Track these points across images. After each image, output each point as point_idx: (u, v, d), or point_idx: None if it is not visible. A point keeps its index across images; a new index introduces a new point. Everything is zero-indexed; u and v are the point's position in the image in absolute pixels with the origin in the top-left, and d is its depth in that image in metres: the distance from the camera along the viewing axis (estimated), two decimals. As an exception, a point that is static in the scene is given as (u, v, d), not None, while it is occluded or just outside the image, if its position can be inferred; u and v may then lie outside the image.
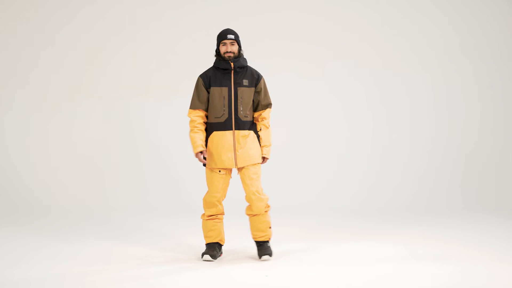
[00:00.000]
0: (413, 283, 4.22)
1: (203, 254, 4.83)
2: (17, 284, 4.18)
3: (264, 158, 4.91)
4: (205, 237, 4.93)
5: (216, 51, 4.90)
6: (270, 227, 4.95)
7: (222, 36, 4.84)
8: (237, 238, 5.34)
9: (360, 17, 7.90)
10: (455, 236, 5.84)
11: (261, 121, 4.91)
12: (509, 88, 7.97)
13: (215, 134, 4.80)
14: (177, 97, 7.69)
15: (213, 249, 4.86)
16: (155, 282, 4.22)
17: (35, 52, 7.70)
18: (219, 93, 4.80)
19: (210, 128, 4.84)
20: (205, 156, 4.79)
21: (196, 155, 4.79)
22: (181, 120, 7.72)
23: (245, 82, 4.84)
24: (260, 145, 4.88)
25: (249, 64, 4.96)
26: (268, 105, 4.94)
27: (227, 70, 4.82)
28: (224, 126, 4.78)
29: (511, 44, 8.00)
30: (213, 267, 4.62)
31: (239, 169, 4.86)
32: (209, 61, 7.17)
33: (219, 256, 4.93)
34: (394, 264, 4.71)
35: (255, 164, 4.84)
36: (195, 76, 7.90)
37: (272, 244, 5.07)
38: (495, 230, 6.14)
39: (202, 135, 4.82)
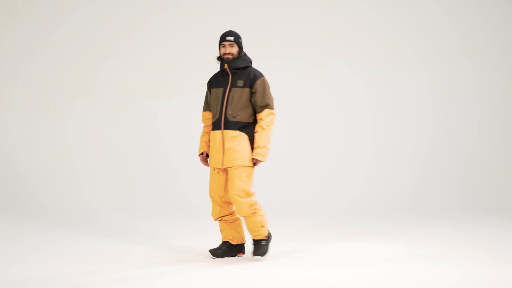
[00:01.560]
0: (413, 283, 4.22)
1: (210, 250, 4.94)
2: (16, 283, 4.17)
3: (256, 160, 4.79)
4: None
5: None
6: (262, 226, 4.85)
7: (221, 38, 4.90)
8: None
9: (360, 17, 7.90)
10: (455, 236, 5.83)
11: (258, 121, 4.84)
12: (509, 88, 7.96)
13: (211, 134, 4.91)
14: (177, 97, 7.69)
15: (219, 248, 4.93)
16: (155, 282, 4.21)
17: (34, 51, 7.69)
18: (215, 94, 4.90)
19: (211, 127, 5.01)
20: (205, 158, 4.98)
21: (199, 156, 5.01)
22: (180, 120, 7.74)
23: (240, 82, 4.84)
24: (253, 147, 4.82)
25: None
26: (265, 106, 4.82)
27: (225, 72, 4.87)
28: (216, 125, 4.85)
29: (511, 44, 8.00)
30: (213, 267, 4.61)
31: (226, 170, 4.84)
32: (209, 61, 7.16)
33: (232, 256, 4.94)
34: (394, 264, 4.71)
35: (241, 166, 4.76)
36: (195, 76, 7.94)
37: (272, 244, 5.06)
38: (495, 230, 6.14)
39: (207, 137, 5.01)
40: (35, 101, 7.68)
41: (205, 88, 7.67)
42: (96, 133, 7.68)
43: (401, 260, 4.85)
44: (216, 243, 5.12)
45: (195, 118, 7.68)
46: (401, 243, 5.50)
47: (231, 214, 4.94)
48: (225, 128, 4.80)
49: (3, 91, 7.67)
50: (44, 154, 7.63)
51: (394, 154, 7.82)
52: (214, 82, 4.93)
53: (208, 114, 5.01)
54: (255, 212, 4.81)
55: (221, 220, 4.94)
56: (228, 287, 4.14)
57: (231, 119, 4.79)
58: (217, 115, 4.82)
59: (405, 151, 7.83)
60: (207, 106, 5.03)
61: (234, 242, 4.96)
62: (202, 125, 5.15)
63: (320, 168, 7.72)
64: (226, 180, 4.85)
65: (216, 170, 4.85)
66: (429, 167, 7.81)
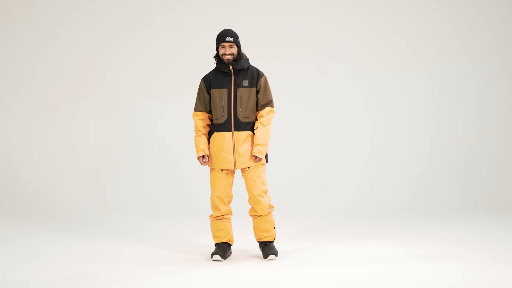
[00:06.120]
0: (413, 283, 4.23)
1: (212, 254, 4.84)
2: (17, 284, 4.18)
3: (255, 157, 4.80)
4: (214, 237, 4.93)
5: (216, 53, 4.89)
6: (274, 227, 4.95)
7: (221, 39, 4.81)
8: (238, 238, 5.34)
9: (360, 18, 7.91)
10: (454, 236, 5.84)
11: (258, 119, 4.85)
12: (509, 89, 7.97)
13: (216, 135, 4.82)
14: (178, 97, 7.70)
15: (223, 249, 4.87)
16: (155, 282, 4.22)
17: (35, 52, 7.70)
18: (219, 94, 4.81)
19: (212, 129, 4.88)
20: (206, 160, 4.85)
21: (198, 158, 4.86)
22: (183, 120, 7.74)
23: (245, 82, 4.82)
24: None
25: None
26: (267, 103, 4.85)
27: (226, 72, 4.83)
28: (224, 127, 4.79)
29: (510, 44, 8.01)
30: (213, 267, 4.63)
31: (242, 171, 4.87)
32: (210, 61, 7.19)
33: (229, 256, 4.92)
34: (394, 264, 4.72)
35: (257, 166, 4.83)
36: (196, 76, 7.92)
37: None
38: (495, 230, 6.14)
39: (205, 138, 4.88)
40: (37, 101, 7.69)
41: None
42: (99, 134, 7.69)
43: (400, 260, 4.86)
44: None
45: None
46: (400, 243, 5.50)
47: (230, 213, 4.97)
48: (236, 129, 4.77)
49: (5, 92, 7.69)
50: (46, 154, 7.64)
51: (393, 154, 7.82)
52: (214, 82, 4.83)
53: (203, 115, 4.89)
54: (270, 211, 4.92)
55: (223, 218, 4.92)
56: (228, 287, 4.15)
57: (243, 120, 4.79)
58: (225, 116, 4.77)
59: (404, 151, 7.83)
60: (202, 106, 4.88)
61: (231, 243, 4.97)
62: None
63: (319, 168, 7.73)
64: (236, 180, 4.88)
65: (225, 172, 4.84)
66: (428, 167, 7.82)
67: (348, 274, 4.45)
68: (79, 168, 7.63)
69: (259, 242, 4.98)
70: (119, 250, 5.19)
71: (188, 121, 7.69)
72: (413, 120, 7.90)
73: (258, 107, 4.86)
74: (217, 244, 4.91)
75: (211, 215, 4.94)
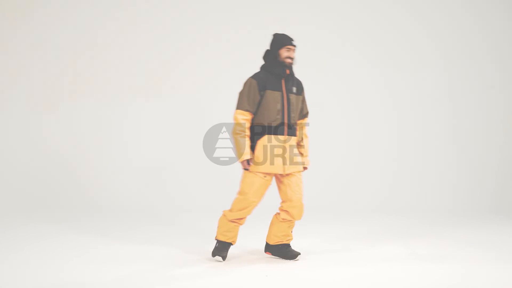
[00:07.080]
0: (413, 283, 4.23)
1: (214, 254, 4.81)
2: (17, 284, 4.17)
3: (304, 168, 4.88)
4: (221, 234, 4.84)
5: (268, 53, 4.80)
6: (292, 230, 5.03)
7: (286, 41, 4.76)
8: (238, 238, 5.33)
9: (361, 17, 7.91)
10: (455, 236, 5.84)
11: (300, 129, 4.88)
12: (510, 89, 7.97)
13: (266, 138, 4.69)
14: (177, 96, 7.70)
15: (225, 250, 4.83)
16: (154, 281, 4.22)
17: (34, 52, 7.70)
18: (273, 97, 4.69)
19: (261, 131, 4.72)
20: (251, 163, 4.68)
21: (242, 162, 4.67)
22: (181, 120, 7.75)
23: (294, 89, 4.79)
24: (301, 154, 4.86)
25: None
26: (307, 113, 4.93)
27: (280, 76, 4.74)
28: (276, 130, 4.69)
29: (511, 44, 8.00)
30: (213, 267, 4.62)
31: (285, 176, 4.77)
32: (208, 61, 7.19)
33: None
34: (395, 264, 4.72)
35: (300, 172, 4.83)
36: (195, 75, 7.92)
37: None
38: (496, 231, 6.14)
39: (249, 140, 4.71)
40: (37, 101, 7.69)
41: (204, 88, 7.59)
42: (98, 134, 7.69)
43: (401, 260, 4.86)
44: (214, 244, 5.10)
45: (196, 117, 7.71)
46: (401, 243, 5.51)
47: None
48: (289, 134, 4.72)
49: (5, 92, 7.68)
50: (46, 154, 7.63)
51: (394, 155, 7.82)
52: (269, 84, 4.69)
53: (249, 115, 4.68)
54: None
55: (237, 221, 4.81)
56: (228, 287, 4.15)
57: (294, 125, 4.77)
58: (279, 120, 4.66)
59: (407, 153, 7.83)
60: (249, 106, 4.65)
61: (234, 243, 4.97)
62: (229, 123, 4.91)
63: (320, 169, 7.73)
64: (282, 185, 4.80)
65: (268, 177, 4.70)
66: (429, 168, 7.82)
67: (348, 274, 4.44)
68: (78, 168, 7.63)
69: (275, 244, 4.93)
70: (118, 250, 5.19)
71: (188, 121, 7.71)
72: (415, 121, 7.90)
73: (300, 115, 4.89)
74: (220, 242, 4.87)
75: (229, 213, 4.79)
